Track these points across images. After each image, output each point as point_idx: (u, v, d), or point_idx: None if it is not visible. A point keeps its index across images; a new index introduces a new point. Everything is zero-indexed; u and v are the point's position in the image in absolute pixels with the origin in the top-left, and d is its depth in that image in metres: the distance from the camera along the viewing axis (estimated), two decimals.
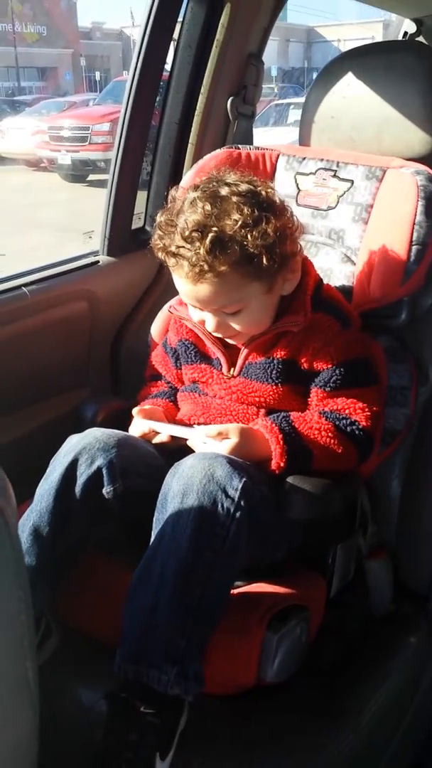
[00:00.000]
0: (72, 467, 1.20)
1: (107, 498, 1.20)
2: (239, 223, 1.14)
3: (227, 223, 1.15)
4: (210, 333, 1.31)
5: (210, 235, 1.14)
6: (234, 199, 1.17)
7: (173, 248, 1.18)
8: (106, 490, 1.20)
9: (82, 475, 1.20)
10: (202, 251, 1.14)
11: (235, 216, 1.15)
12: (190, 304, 1.26)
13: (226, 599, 1.12)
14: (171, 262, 1.20)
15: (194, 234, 1.15)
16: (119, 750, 1.04)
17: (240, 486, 1.10)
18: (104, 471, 1.19)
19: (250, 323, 1.25)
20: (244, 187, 1.20)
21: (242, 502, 1.09)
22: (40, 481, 1.24)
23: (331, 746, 1.19)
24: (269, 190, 1.23)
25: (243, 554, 1.12)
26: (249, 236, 1.15)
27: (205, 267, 1.15)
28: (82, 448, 1.21)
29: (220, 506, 1.09)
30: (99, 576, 1.28)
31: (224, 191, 1.18)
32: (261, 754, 1.16)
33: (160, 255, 1.22)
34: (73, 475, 1.20)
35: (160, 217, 1.23)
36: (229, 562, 1.10)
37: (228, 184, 1.20)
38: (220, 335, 1.28)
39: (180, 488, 1.11)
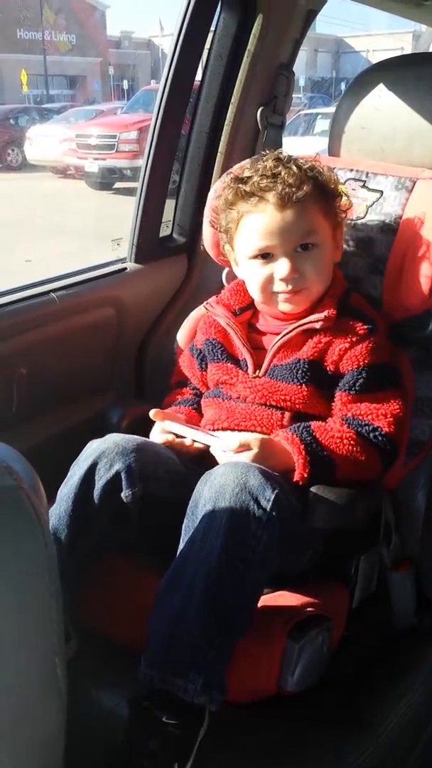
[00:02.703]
0: (91, 471, 1.22)
1: (126, 502, 1.21)
2: (305, 166, 1.31)
3: (297, 166, 1.30)
4: (242, 332, 1.35)
5: (290, 165, 1.29)
6: (281, 158, 1.33)
7: (252, 186, 1.28)
8: (125, 494, 1.21)
9: (101, 479, 1.21)
10: (292, 171, 1.27)
11: (296, 163, 1.31)
12: (263, 250, 1.30)
13: (254, 609, 1.12)
14: (253, 200, 1.28)
15: (278, 165, 1.29)
16: (138, 757, 1.05)
17: (273, 497, 1.10)
18: (123, 475, 1.21)
19: (319, 266, 1.31)
20: None
21: (274, 513, 1.09)
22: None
23: (350, 757, 1.18)
24: None
25: (273, 564, 1.12)
26: (317, 172, 1.31)
27: (294, 188, 1.26)
28: (102, 452, 1.23)
29: (252, 516, 1.09)
30: (119, 578, 1.28)
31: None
32: (279, 763, 1.15)
33: (235, 200, 1.31)
34: (92, 480, 1.22)
35: (223, 178, 1.38)
36: (259, 572, 1.10)
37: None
38: (290, 286, 1.30)
39: (212, 496, 1.11)
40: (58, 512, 1.22)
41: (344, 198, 1.37)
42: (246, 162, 1.42)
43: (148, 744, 1.05)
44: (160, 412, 1.34)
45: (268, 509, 1.09)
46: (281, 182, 1.26)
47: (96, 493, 1.21)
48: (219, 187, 1.40)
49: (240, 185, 1.30)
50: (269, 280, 1.30)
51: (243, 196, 1.29)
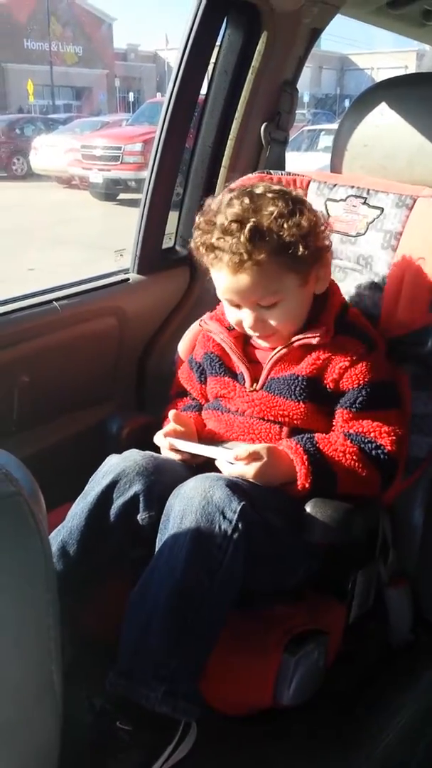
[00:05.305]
0: (109, 490, 1.22)
1: (141, 524, 1.21)
2: (275, 214, 1.21)
3: (264, 214, 1.21)
4: (237, 347, 1.34)
5: (248, 225, 1.20)
6: (269, 195, 1.25)
7: (213, 241, 1.23)
8: (141, 516, 1.21)
9: (119, 498, 1.21)
10: (242, 239, 1.19)
11: (271, 208, 1.22)
12: (229, 301, 1.29)
13: (222, 621, 1.12)
14: (211, 256, 1.24)
15: (233, 225, 1.21)
16: (96, 757, 1.05)
17: (238, 508, 1.10)
18: (141, 497, 1.21)
19: (286, 317, 1.27)
20: (276, 187, 1.29)
21: (240, 525, 1.10)
22: (68, 493, 1.25)
23: None
24: (299, 191, 1.32)
25: (240, 577, 1.12)
26: (285, 226, 1.21)
27: (245, 256, 1.19)
28: (121, 471, 1.22)
29: (217, 528, 1.09)
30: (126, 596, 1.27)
31: (259, 190, 1.27)
32: None
33: (201, 251, 1.27)
34: (110, 498, 1.22)
35: (199, 219, 1.29)
36: (225, 585, 1.10)
37: (262, 186, 1.28)
38: (257, 333, 1.30)
39: (180, 510, 1.12)
40: (69, 526, 1.22)
41: (322, 217, 1.29)
42: (240, 182, 1.40)
43: (106, 747, 1.06)
44: (174, 431, 1.32)
45: (233, 521, 1.10)
46: (234, 244, 1.19)
47: (113, 512, 1.21)
48: (207, 208, 1.29)
49: (206, 235, 1.25)
50: (240, 323, 1.30)
51: (206, 247, 1.25)
